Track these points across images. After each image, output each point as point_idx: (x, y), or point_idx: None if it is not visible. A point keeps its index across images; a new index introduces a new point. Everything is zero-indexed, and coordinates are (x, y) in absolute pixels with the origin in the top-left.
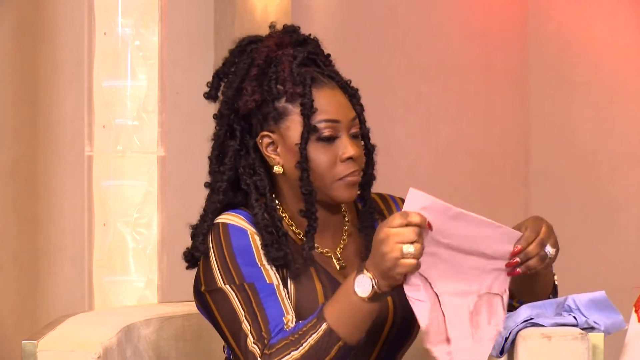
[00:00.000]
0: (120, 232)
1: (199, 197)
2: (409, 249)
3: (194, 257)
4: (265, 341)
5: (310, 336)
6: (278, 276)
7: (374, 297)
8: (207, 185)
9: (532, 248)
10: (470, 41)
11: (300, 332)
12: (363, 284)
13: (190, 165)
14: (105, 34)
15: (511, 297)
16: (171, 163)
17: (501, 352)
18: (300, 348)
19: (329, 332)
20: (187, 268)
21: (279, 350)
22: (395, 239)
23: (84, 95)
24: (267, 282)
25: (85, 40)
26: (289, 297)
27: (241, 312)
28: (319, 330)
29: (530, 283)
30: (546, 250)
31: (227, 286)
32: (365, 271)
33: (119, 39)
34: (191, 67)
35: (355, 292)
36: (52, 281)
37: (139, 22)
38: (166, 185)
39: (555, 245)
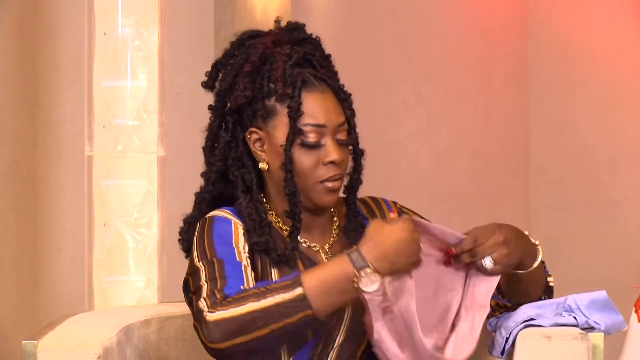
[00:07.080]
0: (120, 232)
1: None
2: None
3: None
4: (218, 296)
5: (279, 294)
6: (249, 261)
7: None
8: (202, 175)
9: (464, 257)
10: (470, 41)
11: (264, 289)
12: (371, 281)
13: (190, 165)
14: (105, 34)
15: (502, 296)
16: (171, 163)
17: (502, 353)
18: (263, 301)
19: (302, 298)
20: (186, 257)
21: (235, 301)
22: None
23: (84, 95)
24: (237, 260)
25: (85, 41)
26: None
27: (204, 283)
28: (291, 292)
29: (518, 285)
30: (482, 262)
31: (200, 262)
32: (369, 269)
33: (119, 39)
34: (191, 67)
35: (354, 282)
36: (52, 281)
37: (139, 22)
38: (166, 185)
39: (502, 260)
